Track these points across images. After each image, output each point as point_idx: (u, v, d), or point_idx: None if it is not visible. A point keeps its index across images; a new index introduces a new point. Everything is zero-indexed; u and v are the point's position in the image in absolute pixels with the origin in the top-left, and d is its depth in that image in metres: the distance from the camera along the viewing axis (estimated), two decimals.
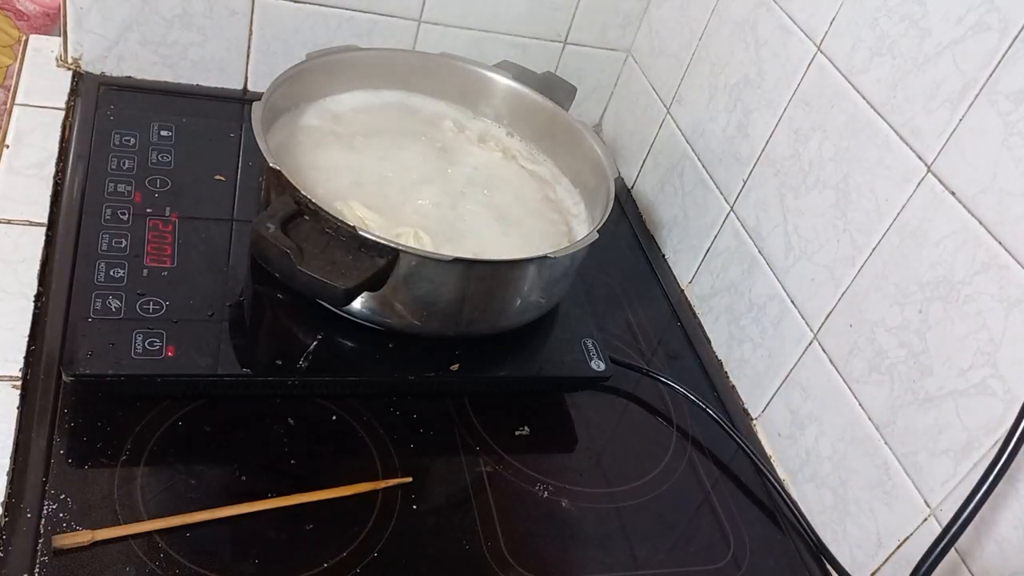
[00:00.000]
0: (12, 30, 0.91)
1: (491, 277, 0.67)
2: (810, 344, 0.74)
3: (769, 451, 0.78)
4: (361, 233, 0.60)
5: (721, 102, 0.89)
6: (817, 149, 0.74)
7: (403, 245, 0.62)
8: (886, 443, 0.66)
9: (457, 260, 0.63)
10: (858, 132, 0.70)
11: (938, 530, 0.58)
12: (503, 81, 0.86)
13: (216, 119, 0.87)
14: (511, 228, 0.76)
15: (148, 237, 0.69)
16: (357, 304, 0.66)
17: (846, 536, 0.69)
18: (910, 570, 0.59)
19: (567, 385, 0.76)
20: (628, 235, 0.99)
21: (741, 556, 0.68)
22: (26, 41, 0.91)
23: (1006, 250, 0.57)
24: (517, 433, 0.71)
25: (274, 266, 0.59)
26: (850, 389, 0.70)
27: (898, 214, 0.66)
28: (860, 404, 0.68)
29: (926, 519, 0.62)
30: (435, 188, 0.77)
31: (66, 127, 0.82)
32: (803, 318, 0.75)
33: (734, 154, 0.86)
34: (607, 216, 0.72)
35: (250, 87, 0.95)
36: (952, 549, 0.57)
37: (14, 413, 0.58)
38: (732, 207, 0.86)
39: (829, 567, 0.70)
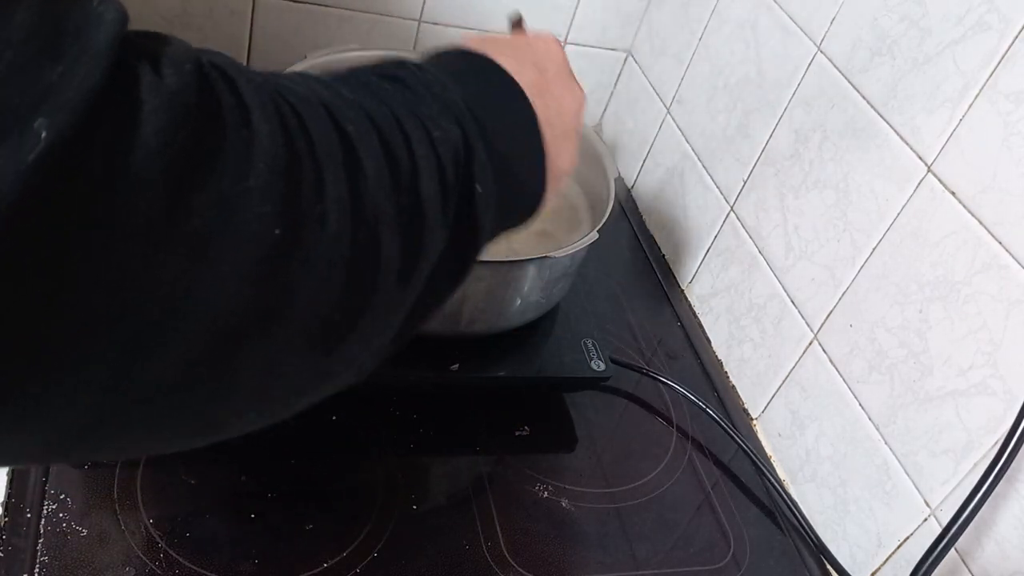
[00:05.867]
0: None
1: (491, 277, 0.67)
2: (810, 344, 0.74)
3: (769, 451, 0.78)
4: None
5: (721, 102, 0.89)
6: (817, 149, 0.74)
7: None
8: (886, 443, 0.66)
9: None
10: (858, 132, 0.70)
11: (938, 530, 0.58)
12: None
13: None
14: None
15: None
16: None
17: (846, 536, 0.69)
18: (910, 570, 0.59)
19: (567, 385, 0.76)
20: (628, 235, 0.99)
21: (741, 556, 0.68)
22: None
23: (1006, 250, 0.57)
24: (517, 433, 0.71)
25: None
26: (850, 389, 0.70)
27: (898, 214, 0.66)
28: (860, 404, 0.68)
29: (926, 519, 0.62)
30: None
31: None
32: (803, 318, 0.75)
33: (734, 154, 0.86)
34: (607, 216, 0.72)
35: None
36: (952, 549, 0.58)
37: None
38: (732, 207, 0.86)
39: (829, 567, 0.70)
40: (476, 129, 0.37)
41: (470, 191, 0.37)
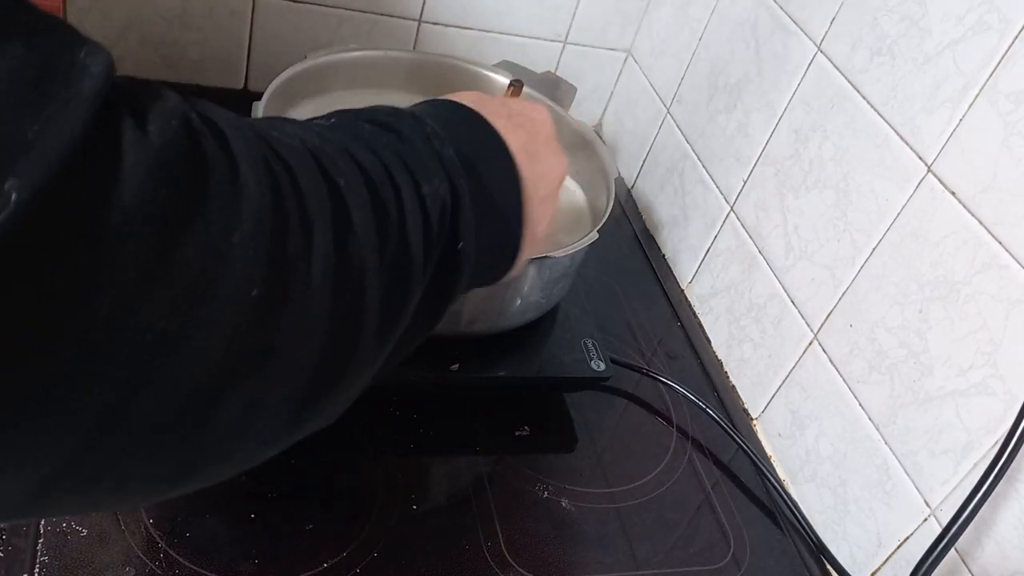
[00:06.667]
0: None
1: None
2: (810, 344, 0.74)
3: (769, 451, 0.78)
4: None
5: (721, 102, 0.89)
6: (817, 149, 0.74)
7: None
8: (886, 443, 0.66)
9: None
10: (858, 132, 0.70)
11: (938, 530, 0.58)
12: (503, 81, 0.86)
13: None
14: None
15: None
16: None
17: (846, 536, 0.69)
18: (910, 570, 0.59)
19: (567, 385, 0.76)
20: (628, 235, 0.99)
21: (741, 556, 0.68)
22: None
23: (1006, 250, 0.57)
24: (517, 433, 0.71)
25: None
26: (850, 389, 0.70)
27: (898, 214, 0.66)
28: (860, 404, 0.68)
29: (926, 519, 0.62)
30: None
31: None
32: (803, 318, 0.75)
33: (734, 154, 0.86)
34: (607, 216, 0.72)
35: (250, 87, 0.95)
36: (952, 549, 0.58)
37: None
38: (732, 207, 0.86)
39: (829, 567, 0.70)
40: (466, 186, 0.38)
41: (453, 247, 0.37)
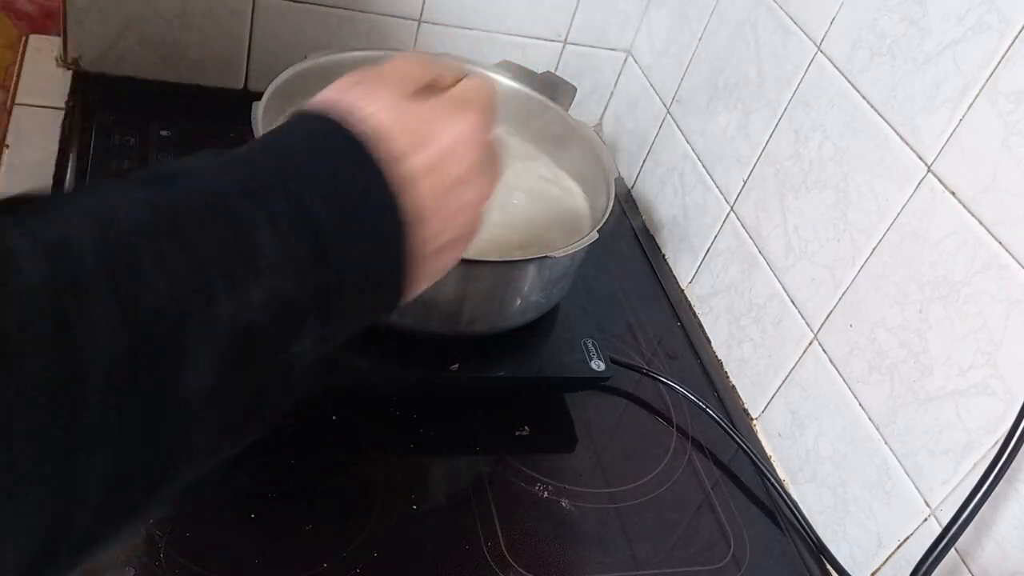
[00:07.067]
0: (11, 30, 0.92)
1: (491, 277, 0.67)
2: (810, 344, 0.74)
3: (769, 451, 0.78)
4: None
5: (721, 102, 0.89)
6: (817, 149, 0.74)
7: None
8: (886, 443, 0.66)
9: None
10: (858, 132, 0.70)
11: (938, 530, 0.58)
12: (503, 81, 0.86)
13: (216, 119, 0.87)
14: (511, 228, 0.76)
15: None
16: None
17: (846, 536, 0.69)
18: (910, 570, 0.59)
19: (567, 385, 0.76)
20: (628, 235, 0.99)
21: (741, 556, 0.68)
22: (26, 41, 0.91)
23: (1006, 250, 0.57)
24: (517, 433, 0.71)
25: None
26: (850, 389, 0.70)
27: (898, 214, 0.66)
28: (860, 404, 0.68)
29: (926, 519, 0.62)
30: None
31: (66, 127, 0.82)
32: (803, 318, 0.75)
33: (734, 154, 0.86)
34: (607, 216, 0.72)
35: (250, 87, 0.95)
36: (952, 549, 0.58)
37: None
38: (732, 207, 0.86)
39: (829, 567, 0.70)
40: (312, 301, 0.33)
41: (286, 359, 0.33)
